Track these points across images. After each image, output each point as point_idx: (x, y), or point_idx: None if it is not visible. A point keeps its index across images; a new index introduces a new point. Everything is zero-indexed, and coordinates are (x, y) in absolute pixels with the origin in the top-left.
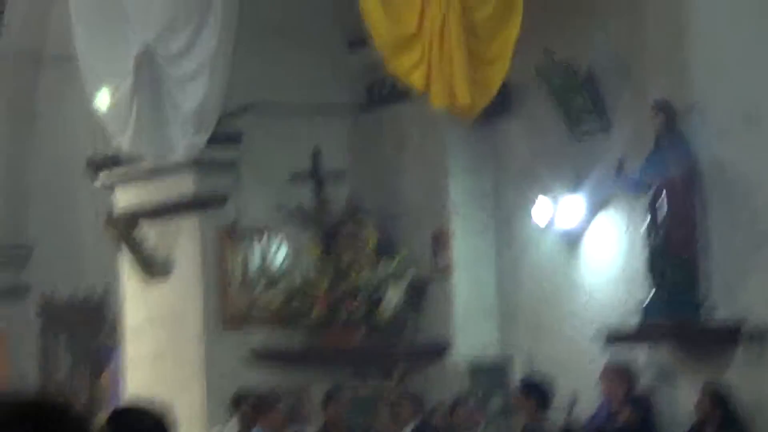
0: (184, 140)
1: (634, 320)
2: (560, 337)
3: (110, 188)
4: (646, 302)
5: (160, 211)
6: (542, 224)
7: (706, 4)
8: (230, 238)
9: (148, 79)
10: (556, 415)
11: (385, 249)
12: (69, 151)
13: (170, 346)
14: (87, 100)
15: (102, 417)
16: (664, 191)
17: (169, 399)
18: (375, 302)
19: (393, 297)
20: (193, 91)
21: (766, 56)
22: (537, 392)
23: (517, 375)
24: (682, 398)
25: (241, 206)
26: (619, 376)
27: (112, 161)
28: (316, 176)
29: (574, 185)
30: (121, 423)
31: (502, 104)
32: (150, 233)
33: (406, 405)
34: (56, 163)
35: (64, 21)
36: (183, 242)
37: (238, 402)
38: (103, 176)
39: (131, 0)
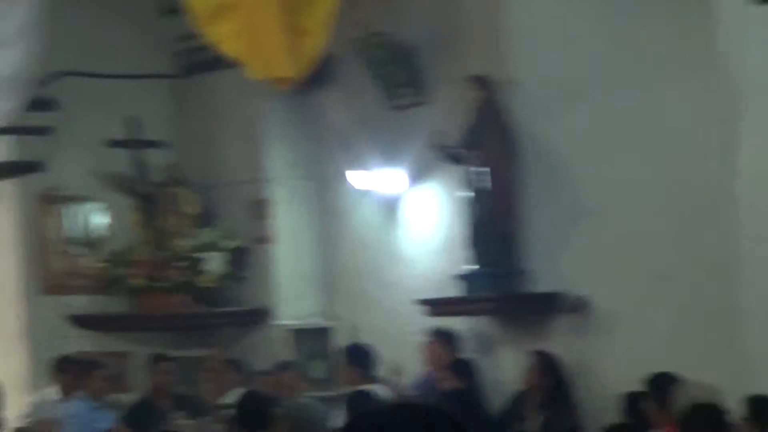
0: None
1: (455, 291)
2: (382, 306)
3: None
4: (467, 273)
5: None
6: (361, 194)
7: None
8: (49, 204)
9: None
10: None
11: (206, 217)
12: None
13: None
14: None
15: None
16: (483, 164)
17: None
18: (196, 270)
19: (214, 264)
20: (7, 56)
21: (584, 32)
22: (360, 359)
23: (339, 343)
24: (505, 368)
25: (59, 173)
26: (442, 344)
27: None
28: (134, 143)
29: (394, 156)
30: None
31: (320, 74)
32: None
33: (228, 372)
34: None
35: None
36: (1, 209)
37: (59, 368)
38: None
39: None
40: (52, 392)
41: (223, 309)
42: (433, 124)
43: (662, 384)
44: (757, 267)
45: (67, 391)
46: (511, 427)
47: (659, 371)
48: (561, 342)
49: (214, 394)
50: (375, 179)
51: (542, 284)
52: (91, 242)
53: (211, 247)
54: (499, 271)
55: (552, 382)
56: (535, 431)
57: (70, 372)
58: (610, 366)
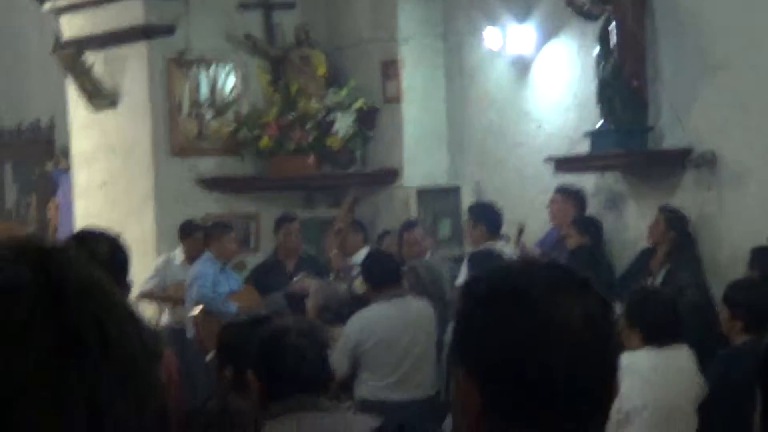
0: None
1: (583, 148)
2: (510, 166)
3: (56, 15)
4: (595, 130)
5: (108, 40)
6: (492, 52)
7: None
8: (178, 66)
9: None
10: (505, 243)
11: (335, 78)
12: None
13: (120, 174)
14: None
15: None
16: (615, 19)
17: (120, 226)
18: (324, 131)
19: (342, 125)
20: None
21: None
22: (486, 218)
23: (465, 203)
24: (632, 224)
25: (189, 35)
26: (568, 201)
27: None
28: (265, 4)
29: (525, 12)
30: (80, 245)
31: None
32: (98, 62)
33: (355, 232)
34: None
35: None
36: (131, 71)
37: (186, 230)
38: (49, 3)
39: None
40: (178, 255)
41: (351, 170)
42: None
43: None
44: None
45: (194, 254)
46: (637, 282)
47: None
48: (688, 198)
49: (340, 254)
50: (506, 37)
51: (670, 140)
52: (220, 104)
53: (340, 107)
54: (626, 127)
55: (676, 237)
56: (660, 286)
57: (199, 233)
58: (738, 221)
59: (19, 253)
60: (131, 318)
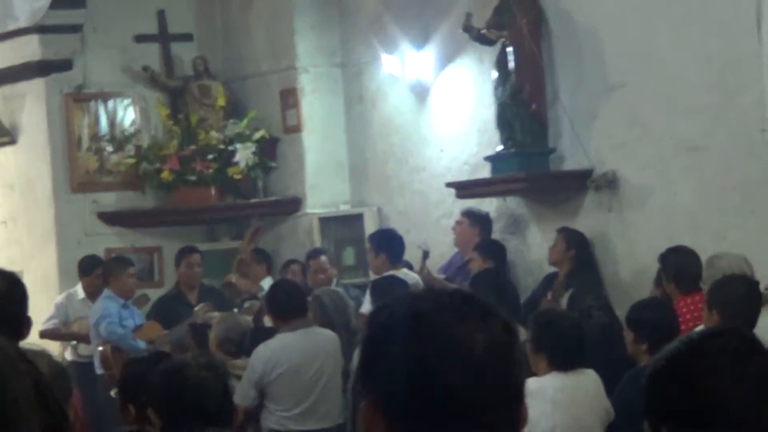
0: (26, 6)
1: (484, 173)
2: (411, 191)
3: None
4: (496, 154)
5: (4, 76)
6: (391, 79)
7: None
8: (76, 101)
9: None
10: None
11: (235, 109)
12: None
13: (20, 211)
14: None
15: None
16: (512, 43)
17: (22, 263)
18: (226, 162)
19: (243, 156)
20: None
21: None
22: (387, 246)
23: (369, 229)
24: (535, 247)
25: (86, 69)
26: (474, 225)
27: None
28: (162, 37)
29: (423, 39)
30: None
31: None
32: None
33: (257, 262)
34: None
35: None
36: (29, 107)
37: (86, 267)
38: None
39: None
40: (79, 291)
41: (253, 200)
42: (462, 5)
43: (671, 257)
44: None
45: (95, 290)
46: (541, 305)
47: (672, 246)
48: (591, 219)
49: (244, 285)
50: (405, 64)
51: (571, 162)
52: (120, 138)
53: (240, 138)
54: (527, 150)
55: (577, 256)
56: (563, 307)
57: (97, 271)
58: (639, 241)
59: None
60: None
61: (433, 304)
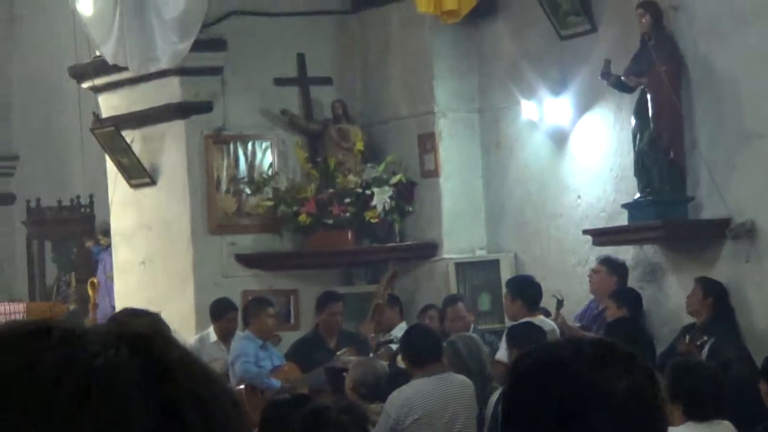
0: (168, 48)
1: (621, 220)
2: (548, 237)
3: (95, 94)
4: (634, 201)
5: (146, 118)
6: (529, 124)
7: None
8: (216, 143)
9: None
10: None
11: (372, 153)
12: (52, 58)
13: (159, 252)
14: (71, 9)
15: (90, 321)
16: (651, 91)
17: (160, 304)
18: (362, 205)
19: (380, 200)
20: None
21: None
22: (524, 292)
23: (504, 276)
24: (672, 296)
25: (226, 111)
26: (607, 273)
27: (97, 68)
28: (301, 81)
29: (561, 85)
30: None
31: (487, 6)
32: (136, 140)
33: (391, 307)
34: (41, 71)
35: None
36: (169, 148)
37: (217, 311)
38: (88, 82)
39: None
40: (211, 334)
41: (390, 244)
42: (601, 52)
43: None
44: None
45: (226, 333)
46: (677, 347)
47: None
48: (727, 269)
49: (379, 329)
50: (542, 109)
51: (709, 210)
52: (258, 181)
53: (378, 182)
54: (665, 198)
55: (715, 305)
56: (701, 358)
57: (228, 315)
58: None
59: (118, 336)
60: (228, 395)
61: (575, 352)
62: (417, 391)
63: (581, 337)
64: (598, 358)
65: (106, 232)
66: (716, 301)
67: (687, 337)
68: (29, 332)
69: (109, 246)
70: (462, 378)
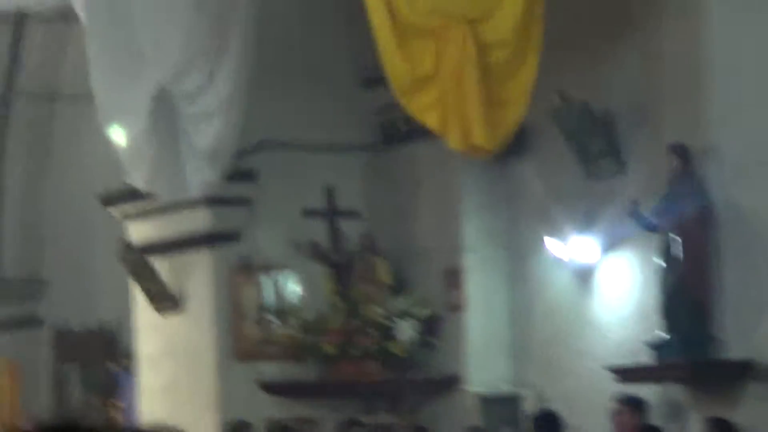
0: (199, 178)
1: (646, 358)
2: (572, 373)
3: (124, 222)
4: (659, 341)
5: (174, 246)
6: (555, 262)
7: (723, 46)
8: (243, 273)
9: (164, 117)
10: None
11: (399, 285)
12: (84, 186)
13: (184, 378)
14: (102, 136)
15: None
16: (678, 232)
17: (184, 429)
18: (388, 337)
19: (406, 332)
20: (208, 129)
21: None
22: (549, 427)
23: (528, 411)
24: None
25: (254, 242)
26: (631, 411)
27: (127, 195)
28: (330, 213)
29: (588, 224)
30: None
31: (516, 144)
32: (163, 267)
33: None
34: (71, 198)
35: (80, 59)
36: (196, 276)
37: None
38: (118, 210)
39: (147, 39)
40: None
41: (414, 376)
42: (629, 193)
43: None
44: None
45: None
46: None
47: None
48: (751, 411)
49: None
50: (569, 248)
51: (734, 352)
52: (284, 310)
53: (403, 314)
54: (690, 338)
55: None
56: None
57: None
58: None
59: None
60: None
61: None
62: None
63: None
64: None
65: (130, 356)
66: None
67: None
68: (55, 427)
69: (132, 370)
70: None
